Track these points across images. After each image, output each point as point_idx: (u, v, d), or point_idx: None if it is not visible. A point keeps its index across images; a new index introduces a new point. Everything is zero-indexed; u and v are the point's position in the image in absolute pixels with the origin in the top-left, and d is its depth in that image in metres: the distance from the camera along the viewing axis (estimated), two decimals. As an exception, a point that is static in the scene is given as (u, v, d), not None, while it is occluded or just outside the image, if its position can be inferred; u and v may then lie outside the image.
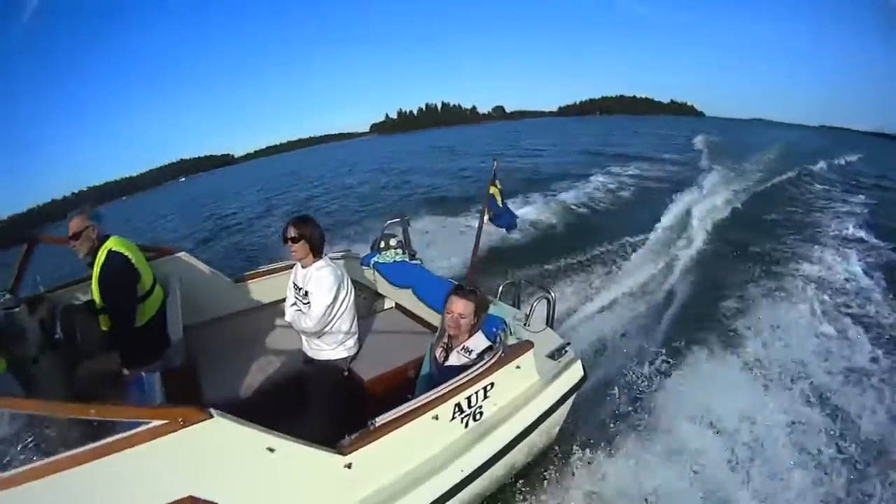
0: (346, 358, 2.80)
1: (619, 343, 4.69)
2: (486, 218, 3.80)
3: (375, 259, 3.80)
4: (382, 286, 3.81)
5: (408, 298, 3.50)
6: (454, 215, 10.07)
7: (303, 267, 2.67)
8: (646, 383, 3.85)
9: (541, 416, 2.54)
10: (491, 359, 2.35)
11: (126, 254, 2.61)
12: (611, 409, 3.57)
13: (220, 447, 1.62)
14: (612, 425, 3.36)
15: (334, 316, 2.66)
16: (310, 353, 2.79)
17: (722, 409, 3.42)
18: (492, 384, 2.33)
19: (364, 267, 3.98)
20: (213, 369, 3.14)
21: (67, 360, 2.55)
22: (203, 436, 1.55)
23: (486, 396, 2.33)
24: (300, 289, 2.68)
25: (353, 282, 4.26)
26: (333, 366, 2.77)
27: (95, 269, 2.56)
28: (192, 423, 1.51)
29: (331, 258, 2.74)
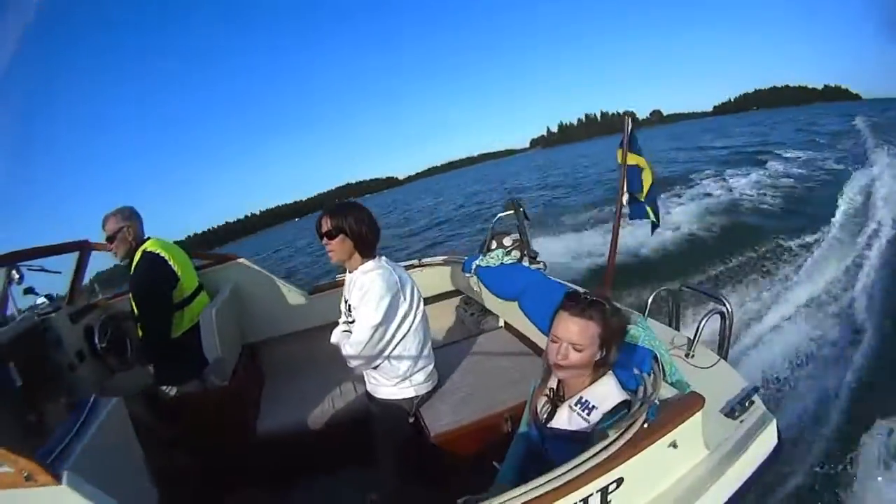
0: (411, 399, 1.95)
1: (798, 378, 3.61)
2: (623, 200, 2.69)
3: (477, 262, 2.87)
4: (489, 299, 2.85)
5: (520, 316, 2.46)
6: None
7: (349, 272, 1.92)
8: (840, 447, 2.76)
9: None
10: (625, 432, 1.23)
11: (162, 254, 2.29)
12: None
13: None
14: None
15: (389, 341, 1.84)
16: (369, 388, 2.02)
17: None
18: (620, 479, 1.21)
19: (467, 274, 3.08)
20: (271, 394, 2.68)
21: (106, 370, 2.35)
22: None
23: (606, 502, 1.21)
24: (347, 302, 1.93)
25: (458, 294, 3.45)
26: (396, 407, 1.95)
27: (132, 270, 2.28)
28: (35, 483, 1.12)
29: (403, 266, 2.05)
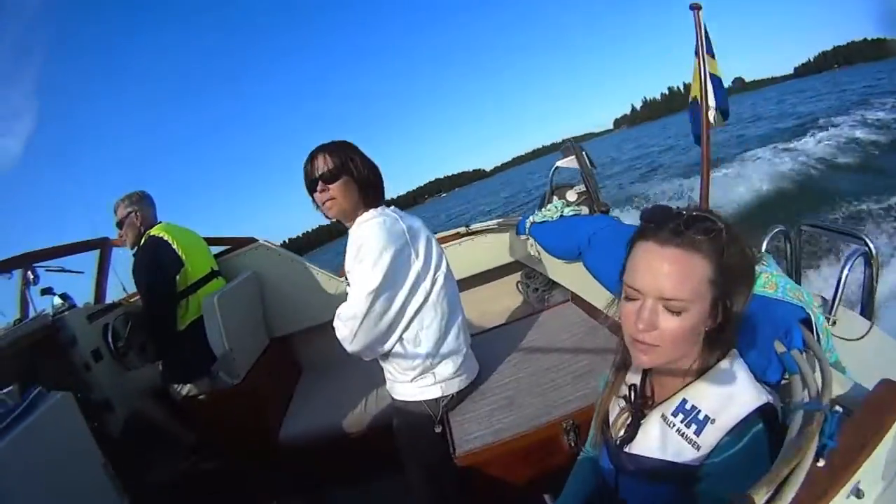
0: (435, 400, 1.41)
1: None
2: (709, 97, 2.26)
3: (532, 218, 2.23)
4: (552, 266, 2.22)
5: (591, 285, 1.79)
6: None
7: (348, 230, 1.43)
8: None
9: None
10: (789, 478, 0.56)
11: (166, 237, 2.06)
12: None
13: None
14: None
15: (398, 314, 1.33)
16: (388, 387, 1.52)
17: None
18: None
19: (521, 238, 2.46)
20: (302, 394, 2.35)
21: (123, 369, 2.16)
22: None
23: None
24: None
25: (518, 267, 2.77)
26: (417, 413, 1.43)
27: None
28: None
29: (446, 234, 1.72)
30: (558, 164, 2.59)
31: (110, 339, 2.10)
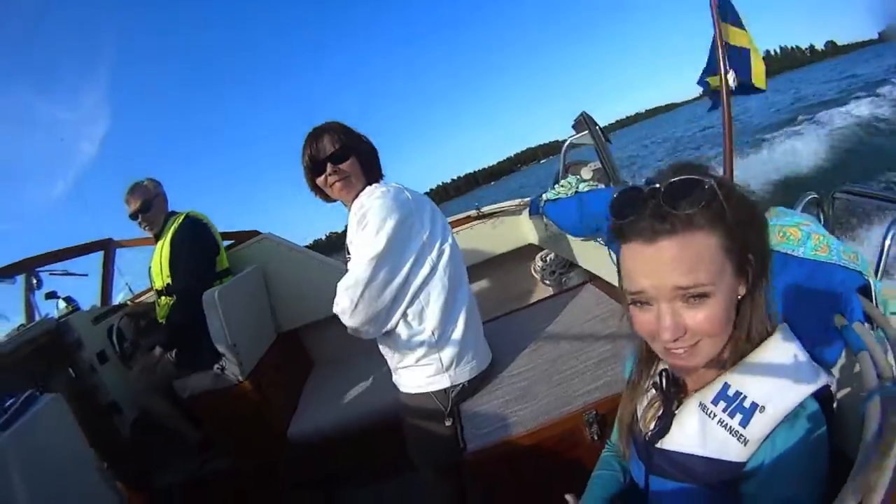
0: (444, 391, 1.31)
1: None
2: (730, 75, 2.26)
3: (545, 196, 2.10)
4: (566, 245, 2.09)
5: (611, 264, 1.66)
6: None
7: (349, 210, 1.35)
8: None
9: None
10: (876, 469, 0.41)
11: (204, 220, 2.15)
12: None
13: None
14: None
15: (402, 285, 1.25)
16: (393, 379, 1.43)
17: None
18: None
19: (535, 219, 2.34)
20: (311, 389, 2.30)
21: (128, 370, 2.15)
22: None
23: None
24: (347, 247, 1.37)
25: (534, 249, 2.63)
26: (424, 406, 1.34)
27: (167, 235, 2.05)
28: None
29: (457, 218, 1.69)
30: (570, 139, 2.44)
31: (115, 341, 2.09)
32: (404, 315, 1.27)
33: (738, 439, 0.58)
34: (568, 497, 0.83)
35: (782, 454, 0.55)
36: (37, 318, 2.23)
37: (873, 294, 0.71)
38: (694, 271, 0.54)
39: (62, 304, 2.19)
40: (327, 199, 1.37)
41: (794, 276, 0.72)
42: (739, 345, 0.61)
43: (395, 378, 1.41)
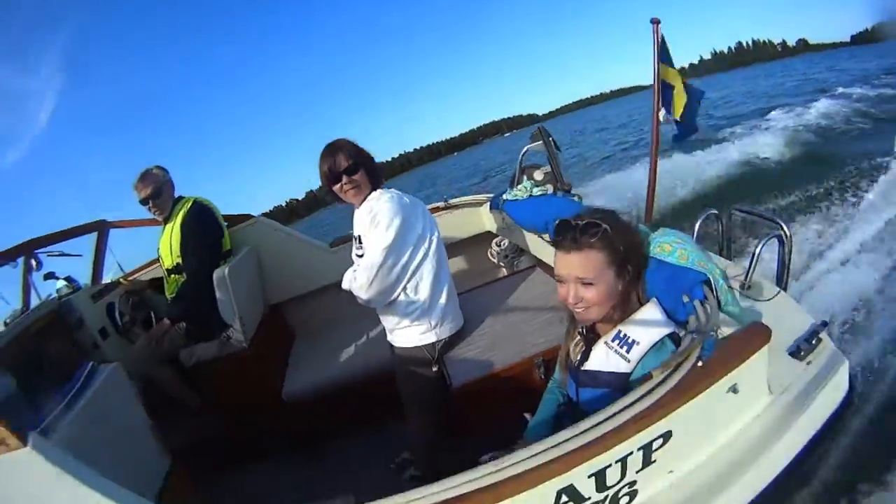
0: (432, 345, 1.76)
1: (879, 314, 3.03)
2: (660, 116, 2.45)
3: (504, 196, 2.59)
4: (521, 237, 2.59)
5: (553, 253, 2.17)
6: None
7: (357, 209, 1.76)
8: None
9: None
10: (674, 371, 0.97)
11: (209, 206, 2.40)
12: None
13: (32, 489, 1.01)
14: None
15: (405, 267, 1.67)
16: (389, 338, 1.86)
17: None
18: (668, 434, 0.96)
19: (494, 213, 2.82)
20: (298, 355, 2.61)
21: (130, 344, 2.34)
22: (13, 469, 1.00)
23: (649, 461, 0.97)
24: (357, 238, 1.76)
25: (489, 236, 3.08)
26: (417, 356, 1.78)
27: (176, 219, 2.27)
28: (8, 448, 0.98)
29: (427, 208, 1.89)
30: (527, 147, 2.94)
31: (117, 316, 2.26)
32: (404, 289, 1.69)
33: (625, 360, 1.07)
34: (525, 415, 1.34)
35: (648, 365, 1.05)
36: (33, 298, 2.30)
37: (714, 287, 1.24)
38: (586, 271, 1.03)
39: (60, 284, 2.29)
40: (339, 201, 1.75)
41: (663, 273, 1.24)
42: (626, 309, 1.11)
43: (390, 337, 1.83)
